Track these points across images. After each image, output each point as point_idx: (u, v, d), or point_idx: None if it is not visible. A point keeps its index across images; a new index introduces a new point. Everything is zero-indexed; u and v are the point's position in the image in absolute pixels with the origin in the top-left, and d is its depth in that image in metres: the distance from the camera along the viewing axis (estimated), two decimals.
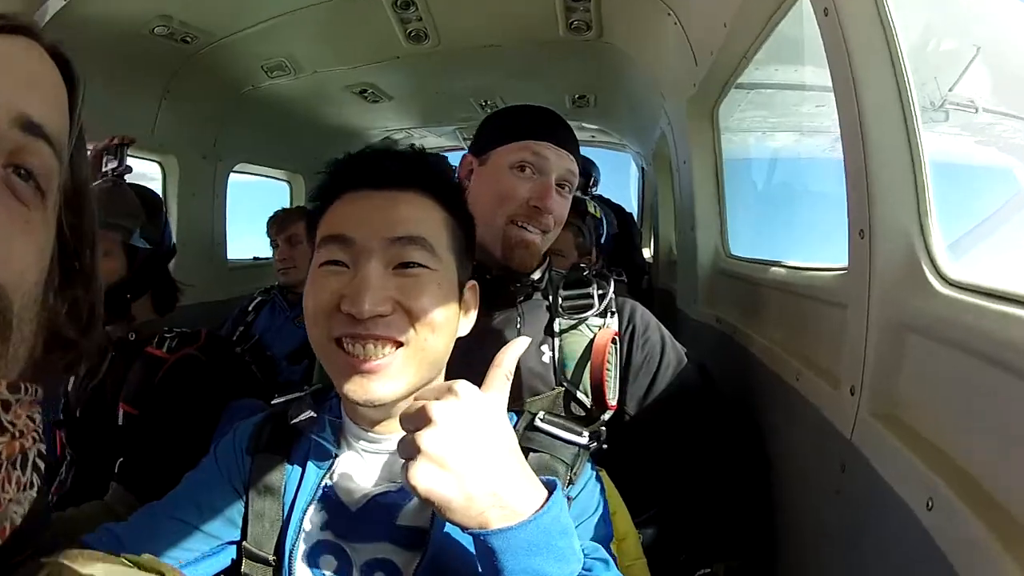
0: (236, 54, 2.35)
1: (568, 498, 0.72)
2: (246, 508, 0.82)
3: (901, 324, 0.74)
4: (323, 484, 0.79)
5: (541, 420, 0.81)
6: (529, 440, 0.79)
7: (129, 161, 1.77)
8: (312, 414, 0.84)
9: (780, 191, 2.06)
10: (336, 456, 0.81)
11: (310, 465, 0.81)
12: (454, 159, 1.30)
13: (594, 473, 0.80)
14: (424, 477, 0.54)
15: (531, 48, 2.37)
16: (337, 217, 0.76)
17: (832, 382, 0.89)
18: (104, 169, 1.73)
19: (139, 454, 1.44)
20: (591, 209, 2.32)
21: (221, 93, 2.65)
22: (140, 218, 1.61)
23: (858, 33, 0.78)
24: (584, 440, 0.80)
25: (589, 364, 1.10)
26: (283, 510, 0.80)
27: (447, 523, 0.69)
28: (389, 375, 0.71)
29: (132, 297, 1.59)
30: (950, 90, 1.04)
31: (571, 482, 0.76)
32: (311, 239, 0.80)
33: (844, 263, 0.89)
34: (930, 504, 0.61)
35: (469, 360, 1.07)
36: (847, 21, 0.79)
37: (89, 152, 1.72)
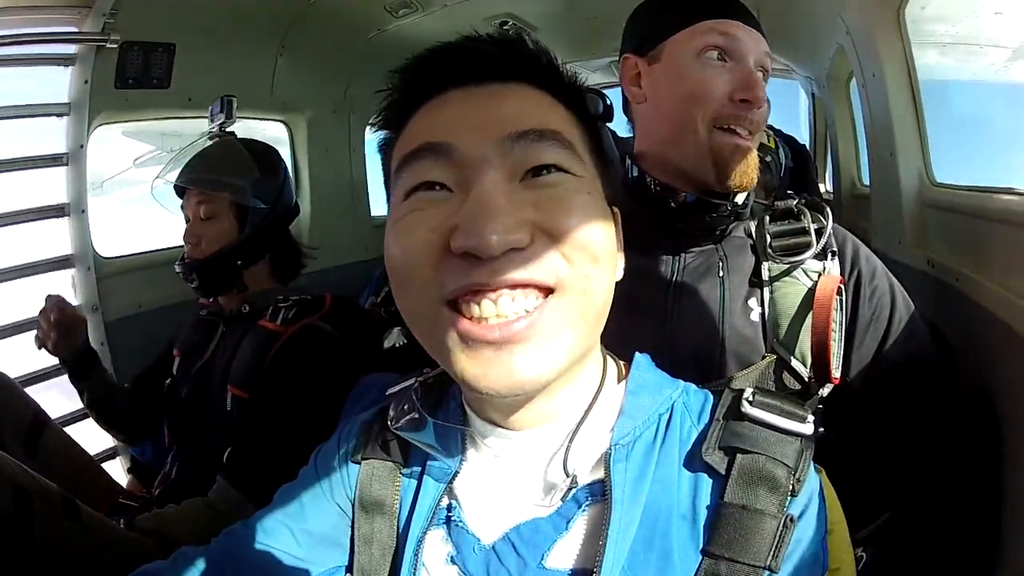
0: None
1: (790, 518, 0.53)
2: (353, 529, 0.66)
3: None
4: (442, 504, 0.61)
5: (750, 402, 0.58)
6: (735, 435, 0.56)
7: (252, 123, 1.67)
8: (415, 415, 0.63)
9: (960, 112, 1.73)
10: (459, 466, 0.61)
11: (427, 478, 0.62)
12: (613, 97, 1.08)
13: (817, 479, 0.58)
14: None
15: None
16: (422, 126, 0.54)
17: None
18: (211, 126, 1.61)
19: (249, 444, 1.26)
20: (765, 140, 2.02)
21: (344, 41, 2.52)
22: (252, 174, 1.42)
23: None
24: (808, 429, 0.57)
25: (809, 322, 0.87)
26: (396, 533, 0.63)
27: (624, 567, 0.52)
28: (541, 339, 0.48)
29: (244, 264, 1.41)
30: None
31: (793, 493, 0.54)
32: (386, 183, 0.58)
33: None
34: None
35: (662, 316, 0.92)
36: None
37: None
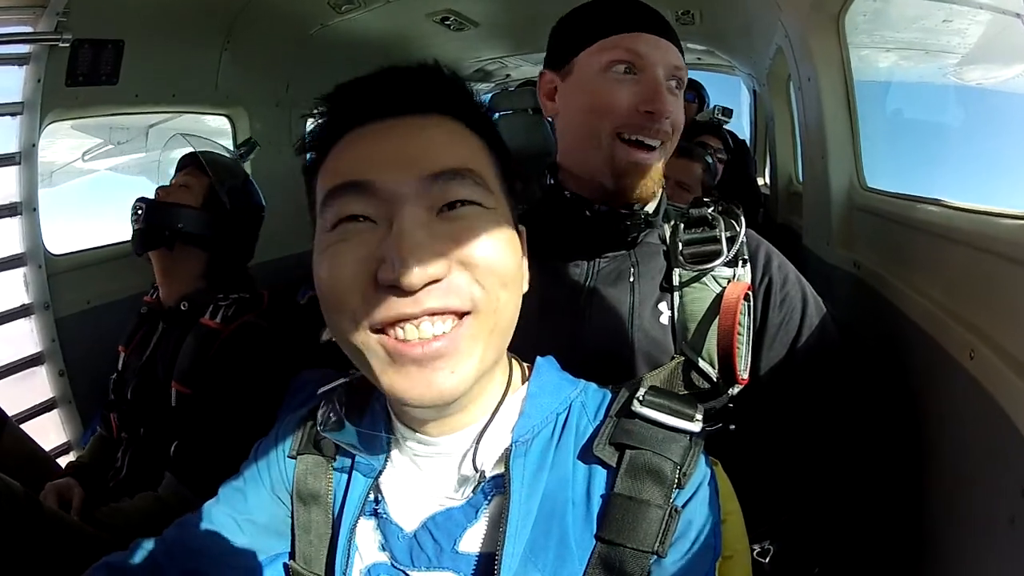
0: None
1: (675, 508, 0.59)
2: (292, 519, 0.72)
3: None
4: (370, 498, 0.67)
5: (641, 402, 0.63)
6: (626, 432, 0.62)
7: (196, 119, 1.85)
8: (338, 418, 0.68)
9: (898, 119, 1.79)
10: (383, 464, 0.67)
11: (356, 472, 0.68)
12: None
13: (709, 471, 0.63)
14: None
15: None
16: (346, 161, 0.57)
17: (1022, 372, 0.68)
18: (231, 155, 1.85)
19: (193, 439, 1.33)
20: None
21: (288, 36, 2.52)
22: (237, 179, 1.61)
23: None
24: (696, 427, 0.62)
25: (716, 327, 0.90)
26: (331, 522, 0.69)
27: (522, 550, 0.59)
28: (457, 357, 0.54)
29: (184, 231, 1.46)
30: None
31: (679, 485, 0.59)
32: (311, 204, 0.62)
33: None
34: None
35: (575, 318, 0.96)
36: None
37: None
